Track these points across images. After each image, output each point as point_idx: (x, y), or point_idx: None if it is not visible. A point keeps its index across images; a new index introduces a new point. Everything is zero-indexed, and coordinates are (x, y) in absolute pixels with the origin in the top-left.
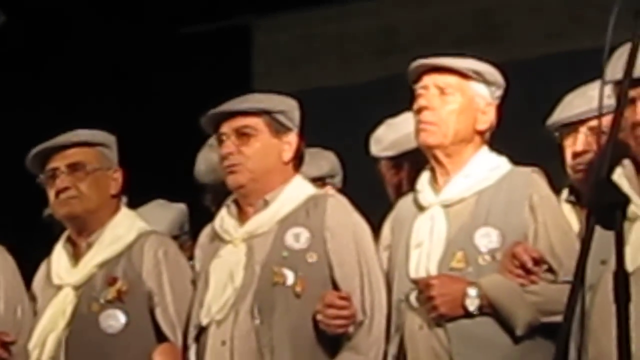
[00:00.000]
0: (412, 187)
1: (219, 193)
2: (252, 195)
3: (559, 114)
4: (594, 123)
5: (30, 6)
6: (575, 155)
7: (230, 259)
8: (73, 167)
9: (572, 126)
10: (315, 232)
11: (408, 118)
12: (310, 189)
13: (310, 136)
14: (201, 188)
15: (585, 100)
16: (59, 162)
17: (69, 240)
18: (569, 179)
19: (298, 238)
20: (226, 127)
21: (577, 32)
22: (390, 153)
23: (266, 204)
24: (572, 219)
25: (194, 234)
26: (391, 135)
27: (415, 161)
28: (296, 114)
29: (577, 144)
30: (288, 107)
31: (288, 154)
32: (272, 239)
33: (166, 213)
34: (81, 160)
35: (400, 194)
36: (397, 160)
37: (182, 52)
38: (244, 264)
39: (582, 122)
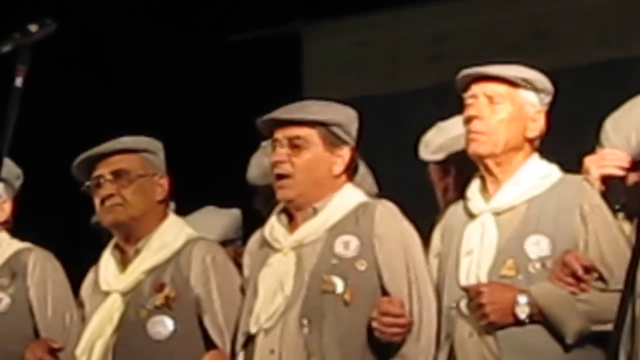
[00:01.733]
0: (458, 192)
1: (270, 196)
2: (302, 206)
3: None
4: None
5: (79, 14)
6: (628, 189)
7: (280, 267)
8: (117, 174)
9: None
10: (365, 240)
11: (459, 122)
12: (360, 197)
13: (360, 144)
14: (253, 191)
15: (627, 137)
16: (103, 170)
17: (117, 246)
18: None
19: (348, 246)
20: (280, 134)
21: (626, 39)
22: (437, 157)
23: (315, 212)
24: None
25: (246, 240)
26: (439, 139)
27: (462, 166)
28: (354, 127)
29: (628, 179)
30: (346, 119)
31: (339, 167)
32: (322, 247)
33: (220, 218)
34: (125, 167)
35: (447, 198)
36: (444, 165)
37: (233, 59)
38: (294, 273)
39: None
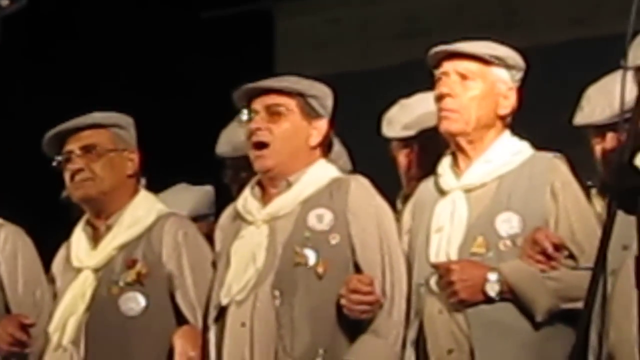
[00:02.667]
0: (420, 169)
1: (239, 169)
2: (277, 178)
3: (586, 117)
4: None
5: None
6: (605, 152)
7: (252, 240)
8: (86, 149)
9: (599, 127)
10: (338, 214)
11: (422, 99)
12: (334, 172)
13: (333, 120)
14: (222, 164)
15: (610, 101)
16: (73, 145)
17: (89, 222)
18: (600, 175)
19: (321, 219)
20: (258, 104)
21: (600, 17)
22: (403, 134)
23: (289, 185)
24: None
25: (218, 216)
26: (403, 117)
27: (425, 143)
28: (329, 102)
29: (607, 141)
30: (322, 93)
31: (315, 139)
32: (294, 220)
33: (192, 194)
34: (94, 142)
35: (409, 175)
36: (407, 142)
37: (205, 36)
38: (266, 246)
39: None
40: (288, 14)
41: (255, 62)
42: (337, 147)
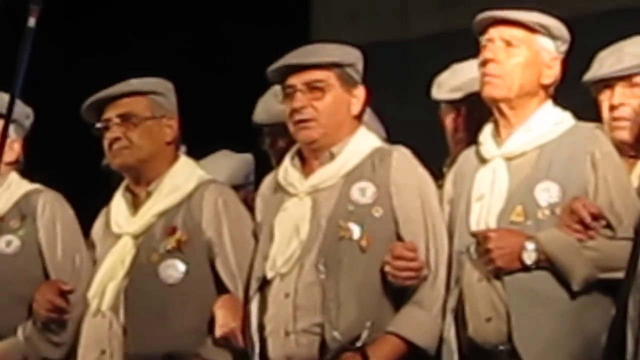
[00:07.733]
0: (467, 133)
1: (276, 136)
2: (321, 149)
3: (595, 71)
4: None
5: None
6: (612, 108)
7: (296, 212)
8: (124, 117)
9: (608, 81)
10: (381, 187)
11: (473, 64)
12: (375, 141)
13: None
14: (259, 131)
15: (620, 56)
16: (111, 113)
17: (128, 189)
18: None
19: (364, 192)
20: (296, 80)
21: None
22: (451, 96)
23: (332, 156)
24: None
25: (258, 184)
26: (452, 80)
27: (473, 107)
28: (361, 66)
29: (614, 97)
30: (356, 59)
31: (357, 107)
32: (338, 193)
33: (231, 162)
34: (131, 110)
35: (456, 138)
36: (454, 105)
37: (243, 3)
38: (310, 218)
39: (619, 78)
40: None
41: (292, 30)
42: (370, 119)
